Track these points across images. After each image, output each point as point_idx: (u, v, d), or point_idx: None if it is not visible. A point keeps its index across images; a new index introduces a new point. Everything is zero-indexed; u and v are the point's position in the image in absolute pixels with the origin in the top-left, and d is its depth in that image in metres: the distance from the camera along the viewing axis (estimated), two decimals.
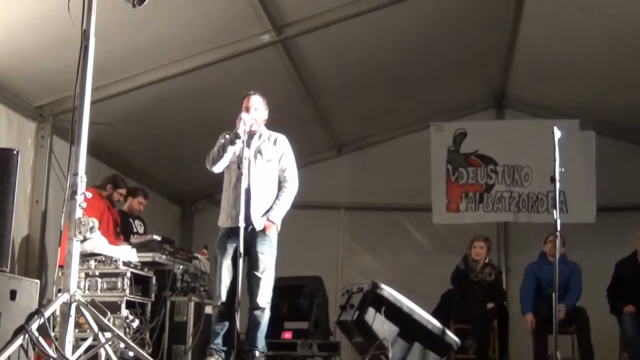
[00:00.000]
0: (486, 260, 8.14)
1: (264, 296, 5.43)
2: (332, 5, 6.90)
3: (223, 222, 5.50)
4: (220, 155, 5.39)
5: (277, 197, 5.61)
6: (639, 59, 7.71)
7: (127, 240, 7.05)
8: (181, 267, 6.81)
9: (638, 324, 7.17)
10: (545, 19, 7.84)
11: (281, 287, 8.10)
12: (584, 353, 7.42)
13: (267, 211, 5.54)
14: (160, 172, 9.31)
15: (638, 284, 7.37)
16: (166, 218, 9.61)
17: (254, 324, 5.41)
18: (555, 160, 5.43)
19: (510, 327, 8.16)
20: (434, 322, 6.48)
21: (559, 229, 5.43)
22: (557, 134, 5.50)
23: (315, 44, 7.51)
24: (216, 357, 5.33)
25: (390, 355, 6.06)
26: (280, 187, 5.66)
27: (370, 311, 6.27)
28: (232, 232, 5.33)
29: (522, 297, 7.87)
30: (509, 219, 9.23)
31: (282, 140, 5.73)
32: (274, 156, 5.65)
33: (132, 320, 5.89)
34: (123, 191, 7.46)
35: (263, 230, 5.46)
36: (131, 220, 7.66)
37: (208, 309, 6.37)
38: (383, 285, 6.37)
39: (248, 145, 5.31)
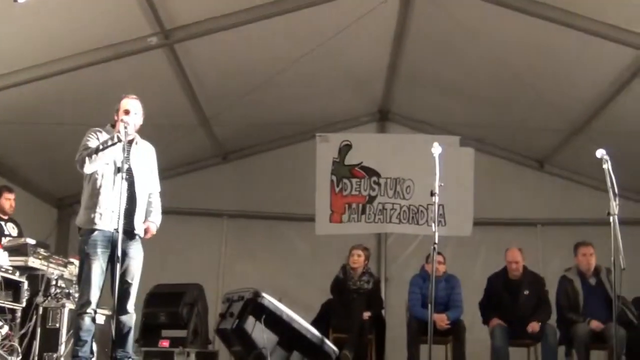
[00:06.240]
0: (364, 269, 8.26)
1: (133, 301, 5.33)
2: (222, 12, 6.89)
3: (92, 223, 5.22)
4: (97, 156, 5.21)
5: (151, 206, 5.56)
6: (516, 82, 8.06)
7: None
8: (55, 272, 6.58)
9: (506, 335, 7.45)
10: (430, 39, 8.08)
11: (160, 295, 8.06)
12: None
13: (146, 218, 5.47)
14: (36, 173, 8.98)
15: (507, 297, 7.69)
16: (42, 221, 9.27)
17: (126, 329, 5.25)
18: (435, 174, 5.58)
19: (387, 336, 8.31)
20: (314, 332, 6.52)
21: (437, 241, 5.56)
22: (438, 149, 5.65)
23: (205, 51, 7.47)
24: None
25: None
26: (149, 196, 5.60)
27: (250, 320, 6.26)
28: (104, 236, 5.20)
29: (412, 307, 7.92)
30: (389, 230, 9.43)
31: (153, 149, 5.69)
32: (150, 164, 5.61)
33: (1, 327, 5.67)
34: None
35: (136, 237, 5.36)
36: (2, 223, 7.34)
37: None
38: (264, 294, 6.36)
39: (127, 151, 5.17)
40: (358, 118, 10.30)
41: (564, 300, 7.49)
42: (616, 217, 5.33)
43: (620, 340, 6.70)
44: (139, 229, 5.36)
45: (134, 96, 5.51)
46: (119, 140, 5.19)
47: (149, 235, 5.47)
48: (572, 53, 7.39)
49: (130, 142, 5.31)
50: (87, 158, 5.20)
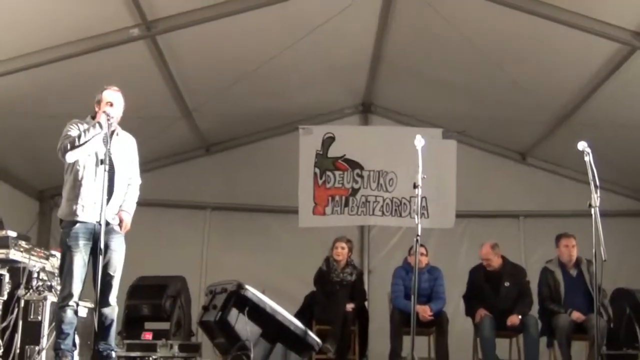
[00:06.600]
0: (348, 261, 8.29)
1: (115, 293, 5.32)
2: (204, 4, 6.86)
3: (74, 215, 5.23)
4: (81, 144, 5.17)
5: (127, 197, 5.52)
6: (499, 75, 8.08)
7: None
8: (37, 264, 6.54)
9: (493, 326, 7.50)
10: (413, 32, 8.08)
11: (142, 287, 8.04)
12: (439, 353, 7.67)
13: (120, 209, 5.44)
14: (17, 165, 8.91)
15: (488, 289, 7.75)
16: (23, 213, 9.20)
17: (108, 321, 5.24)
18: (418, 167, 5.59)
19: (370, 327, 8.34)
20: (297, 323, 6.52)
21: (419, 233, 5.58)
22: (421, 141, 5.67)
23: (188, 43, 7.43)
24: (69, 359, 5.13)
25: (252, 356, 6.06)
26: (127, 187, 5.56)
27: (234, 312, 6.25)
28: (86, 228, 5.18)
29: (394, 299, 7.97)
30: (372, 222, 9.45)
31: (133, 140, 5.66)
32: (131, 156, 5.59)
33: None
34: None
35: (117, 229, 5.34)
36: None
37: None
38: (247, 286, 6.35)
39: (108, 142, 5.14)
40: (341, 110, 10.28)
41: (546, 291, 7.54)
42: (597, 209, 5.37)
43: (602, 331, 6.77)
44: (111, 220, 5.32)
45: (116, 88, 5.48)
46: (101, 128, 5.18)
47: (123, 227, 5.42)
48: (555, 46, 7.41)
49: (111, 134, 5.29)
50: (69, 146, 5.17)
